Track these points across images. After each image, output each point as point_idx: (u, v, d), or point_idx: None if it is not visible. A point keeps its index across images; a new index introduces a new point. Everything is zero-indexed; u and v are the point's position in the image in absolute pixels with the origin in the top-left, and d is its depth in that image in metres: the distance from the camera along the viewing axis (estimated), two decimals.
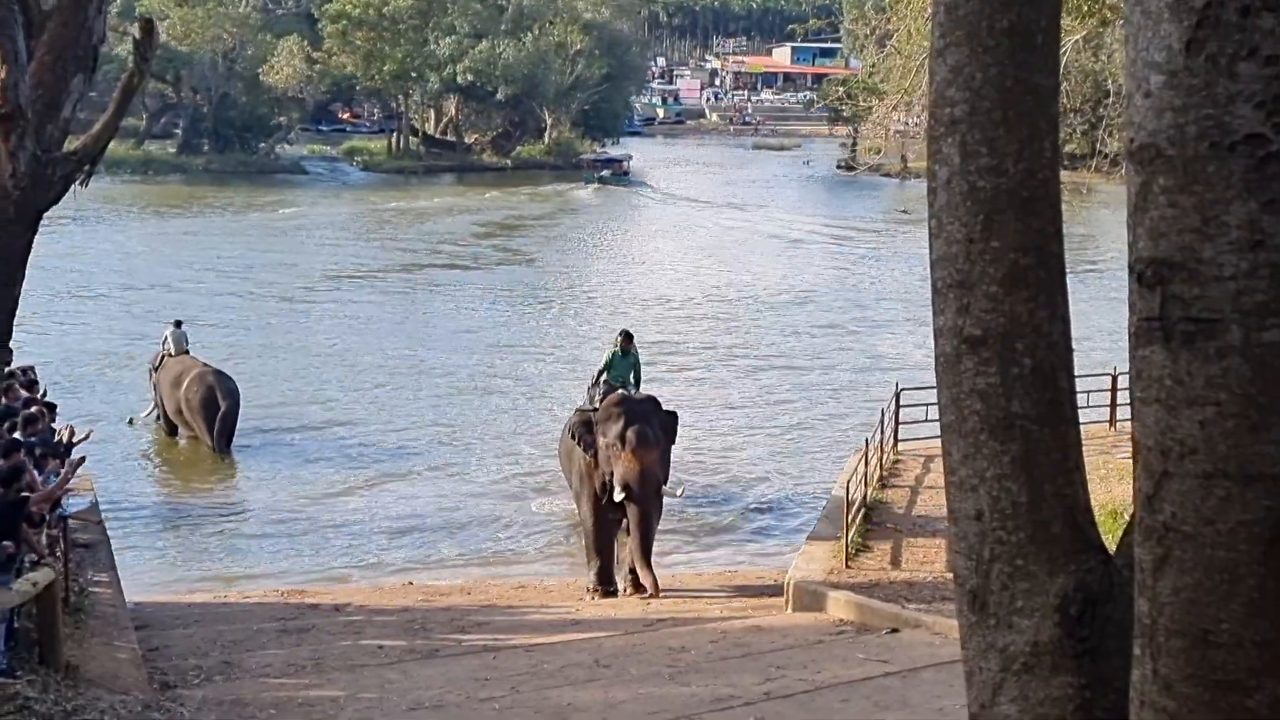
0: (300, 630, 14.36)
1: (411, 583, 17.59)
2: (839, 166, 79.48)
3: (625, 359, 18.78)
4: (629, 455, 16.10)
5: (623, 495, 16.13)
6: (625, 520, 16.71)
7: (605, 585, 16.64)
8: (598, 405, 17.25)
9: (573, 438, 17.03)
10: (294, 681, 12.11)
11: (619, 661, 12.72)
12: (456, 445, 24.75)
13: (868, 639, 13.27)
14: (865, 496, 17.20)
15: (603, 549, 16.78)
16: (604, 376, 18.50)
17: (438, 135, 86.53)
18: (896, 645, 12.93)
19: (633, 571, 16.53)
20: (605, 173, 74.84)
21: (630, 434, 16.18)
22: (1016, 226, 3.31)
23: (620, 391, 17.67)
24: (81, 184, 8.68)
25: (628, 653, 13.12)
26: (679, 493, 18.66)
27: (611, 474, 16.31)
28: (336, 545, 19.61)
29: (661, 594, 16.08)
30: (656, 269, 47.15)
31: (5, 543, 10.51)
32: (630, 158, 79.74)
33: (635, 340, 19.42)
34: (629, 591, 16.51)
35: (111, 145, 8.88)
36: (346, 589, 17.25)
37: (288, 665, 12.74)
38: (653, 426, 16.50)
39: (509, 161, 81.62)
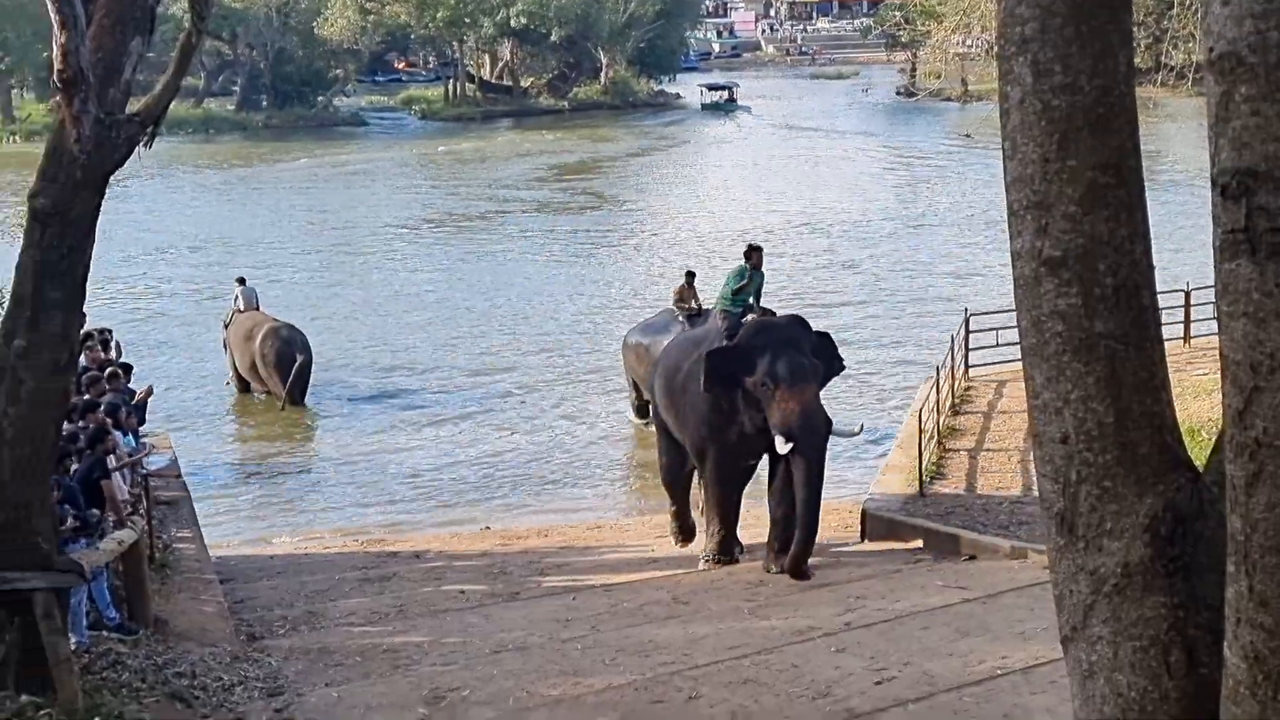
0: (382, 578, 14.52)
1: (489, 527, 17.73)
2: (898, 93, 78.74)
3: (757, 276, 14.73)
4: (785, 394, 13.13)
5: (787, 445, 13.06)
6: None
7: (727, 556, 14.12)
8: (726, 335, 13.99)
9: (703, 380, 13.56)
10: (378, 629, 12.27)
11: (697, 598, 12.78)
12: (529, 390, 24.83)
13: (945, 566, 13.26)
14: (938, 424, 17.12)
15: (729, 513, 14.12)
16: (724, 304, 14.61)
17: (494, 80, 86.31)
18: (975, 571, 12.91)
19: (782, 548, 13.59)
20: (719, 98, 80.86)
21: (782, 367, 13.17)
22: (1093, 144, 3.25)
23: (758, 317, 14.26)
24: (145, 145, 8.70)
25: (705, 589, 13.18)
26: (858, 430, 15.32)
27: (752, 420, 13.46)
28: (413, 493, 19.79)
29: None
30: (721, 202, 46.87)
31: (92, 510, 10.68)
32: (737, 85, 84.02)
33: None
34: (776, 571, 13.57)
35: (172, 105, 8.91)
36: (425, 536, 17.40)
37: (371, 613, 12.90)
38: (806, 354, 13.44)
39: (566, 104, 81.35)
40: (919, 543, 14.15)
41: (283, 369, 23.63)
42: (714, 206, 46.19)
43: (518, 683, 10.21)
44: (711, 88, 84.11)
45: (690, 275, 21.20)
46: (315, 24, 76.60)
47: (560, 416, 23.21)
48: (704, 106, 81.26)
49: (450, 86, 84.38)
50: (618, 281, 34.65)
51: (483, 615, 12.60)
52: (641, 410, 20.65)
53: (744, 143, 65.77)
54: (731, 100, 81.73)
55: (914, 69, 72.68)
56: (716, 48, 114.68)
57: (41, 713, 8.27)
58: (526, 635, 11.66)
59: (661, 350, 16.07)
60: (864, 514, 14.99)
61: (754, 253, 14.76)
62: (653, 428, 16.71)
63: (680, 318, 19.44)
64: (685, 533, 15.20)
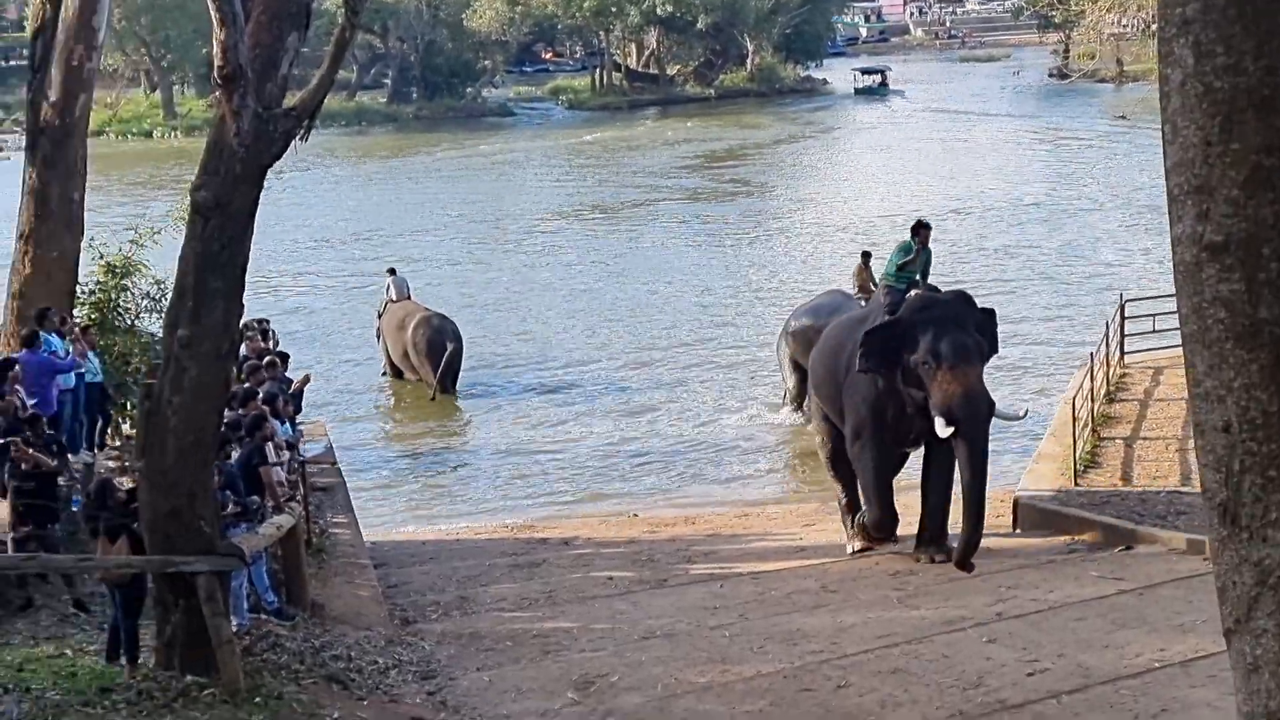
0: (531, 564, 14.68)
1: (637, 515, 17.80)
2: (1050, 75, 77.38)
3: (924, 253, 13.96)
4: (947, 374, 12.59)
5: (948, 429, 12.55)
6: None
7: (883, 534, 13.77)
8: (887, 313, 13.34)
9: (856, 362, 13.16)
10: (528, 614, 12.41)
11: (846, 586, 12.71)
12: (677, 378, 24.84)
13: (1101, 556, 13.01)
14: (1093, 411, 16.79)
15: (885, 493, 13.64)
16: (888, 280, 13.94)
17: (640, 69, 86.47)
18: (1131, 562, 12.65)
19: (933, 538, 13.43)
20: (872, 82, 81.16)
21: (945, 345, 12.60)
22: (1257, 127, 3.16)
23: (922, 292, 13.51)
24: (302, 138, 8.88)
25: (854, 577, 13.11)
26: (1022, 414, 14.80)
27: (912, 399, 13.01)
28: (562, 480, 19.94)
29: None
30: (872, 188, 46.35)
31: (252, 496, 10.93)
32: (890, 69, 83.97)
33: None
34: (925, 561, 13.36)
35: (326, 99, 9.08)
36: (573, 523, 17.52)
37: (521, 599, 13.05)
38: (971, 333, 12.91)
39: (712, 91, 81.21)
40: (1073, 532, 13.89)
41: (434, 358, 23.97)
42: (865, 192, 45.76)
43: (666, 669, 10.26)
44: (865, 72, 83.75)
45: (866, 256, 20.97)
46: (464, 16, 77.52)
47: (708, 404, 23.20)
48: (857, 91, 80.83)
49: (597, 76, 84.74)
50: (767, 269, 34.49)
51: (631, 602, 12.67)
52: (802, 401, 19.85)
53: (894, 127, 65.06)
54: (884, 84, 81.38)
55: (1067, 50, 71.41)
56: (864, 32, 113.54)
57: (205, 692, 8.50)
58: (674, 622, 11.70)
59: (824, 331, 15.31)
60: (1016, 503, 14.76)
61: (922, 229, 13.92)
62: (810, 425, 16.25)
63: (855, 297, 18.61)
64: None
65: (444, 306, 26.29)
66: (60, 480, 11.52)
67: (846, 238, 36.65)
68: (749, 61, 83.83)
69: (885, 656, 10.23)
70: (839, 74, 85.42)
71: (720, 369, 25.27)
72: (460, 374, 24.44)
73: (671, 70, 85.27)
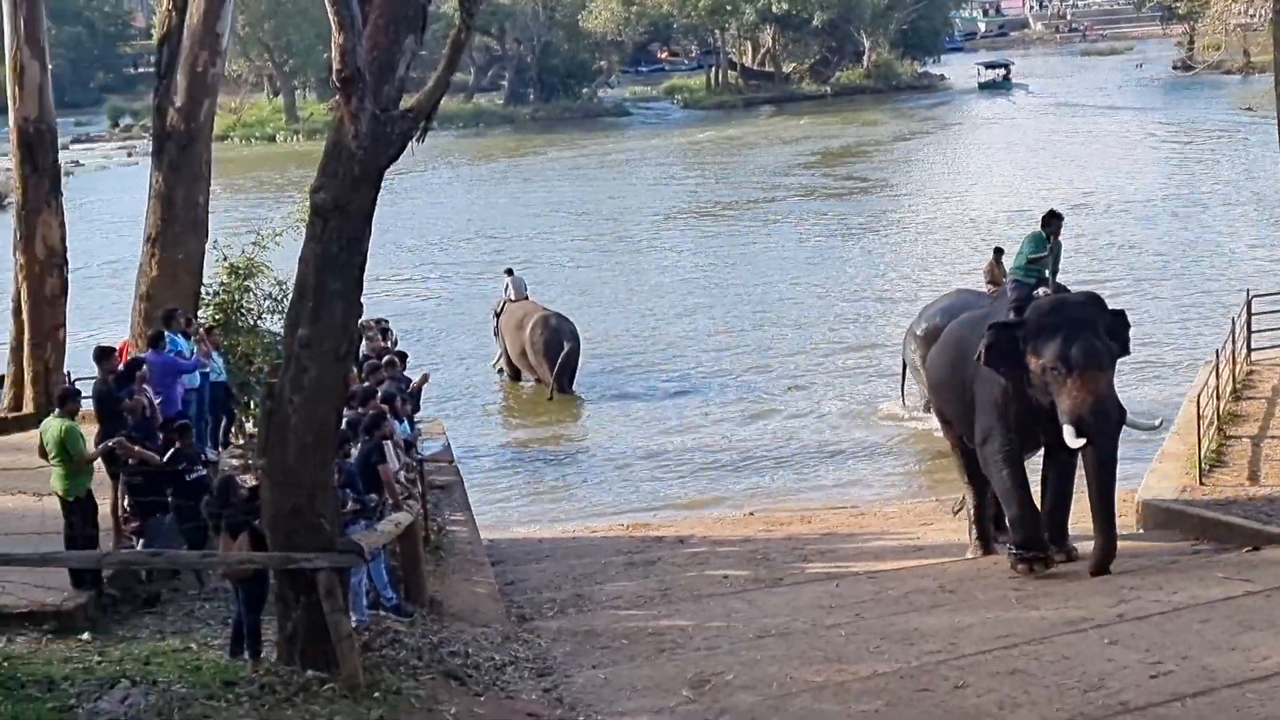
0: (646, 563, 14.71)
1: (752, 513, 17.76)
2: (1174, 67, 75.78)
3: (1056, 245, 13.38)
4: (1077, 381, 12.08)
5: (1079, 440, 12.03)
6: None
7: (1037, 552, 12.70)
8: (1012, 312, 12.80)
9: (978, 358, 12.61)
10: (643, 612, 12.43)
11: (964, 586, 12.57)
12: (795, 377, 24.71)
13: (1226, 558, 12.71)
14: (1218, 409, 16.41)
15: (1027, 497, 12.85)
16: (1017, 274, 13.38)
17: (755, 67, 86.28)
18: (1259, 563, 12.34)
19: (1051, 539, 12.84)
20: (996, 76, 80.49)
21: (1076, 351, 12.07)
22: None
23: (1052, 294, 12.94)
24: (418, 140, 8.98)
25: (972, 577, 12.95)
26: (1157, 423, 13.93)
27: (1038, 402, 12.49)
28: (676, 479, 19.96)
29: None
30: (994, 183, 45.64)
31: (370, 494, 11.08)
32: (1013, 63, 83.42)
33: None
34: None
35: (443, 101, 9.16)
36: (688, 521, 17.54)
37: (637, 596, 13.08)
38: (1101, 337, 12.29)
39: (828, 89, 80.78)
40: (1197, 533, 13.60)
41: (551, 357, 24.11)
42: (989, 188, 45.07)
43: (781, 668, 10.22)
44: (989, 66, 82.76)
45: (998, 252, 20.65)
46: (580, 17, 77.92)
47: (826, 403, 23.07)
48: (981, 86, 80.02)
49: (712, 75, 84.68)
50: (888, 267, 34.15)
51: (746, 600, 12.64)
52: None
53: (1015, 122, 64.16)
54: (1008, 79, 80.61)
55: (1191, 41, 69.92)
56: (982, 27, 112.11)
57: (325, 687, 8.63)
58: (790, 621, 11.66)
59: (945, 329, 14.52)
60: (1139, 503, 14.49)
61: (1053, 219, 13.23)
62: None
63: (989, 295, 17.18)
64: (984, 540, 13.87)
65: (561, 306, 26.45)
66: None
67: (971, 235, 36.27)
68: (865, 58, 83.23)
69: (1004, 657, 10.09)
70: (957, 70, 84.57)
71: (840, 369, 25.11)
72: (577, 373, 24.55)
73: (787, 68, 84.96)
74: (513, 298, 25.84)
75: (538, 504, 19.37)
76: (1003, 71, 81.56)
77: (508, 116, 76.45)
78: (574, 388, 24.48)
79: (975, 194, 44.03)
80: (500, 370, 26.00)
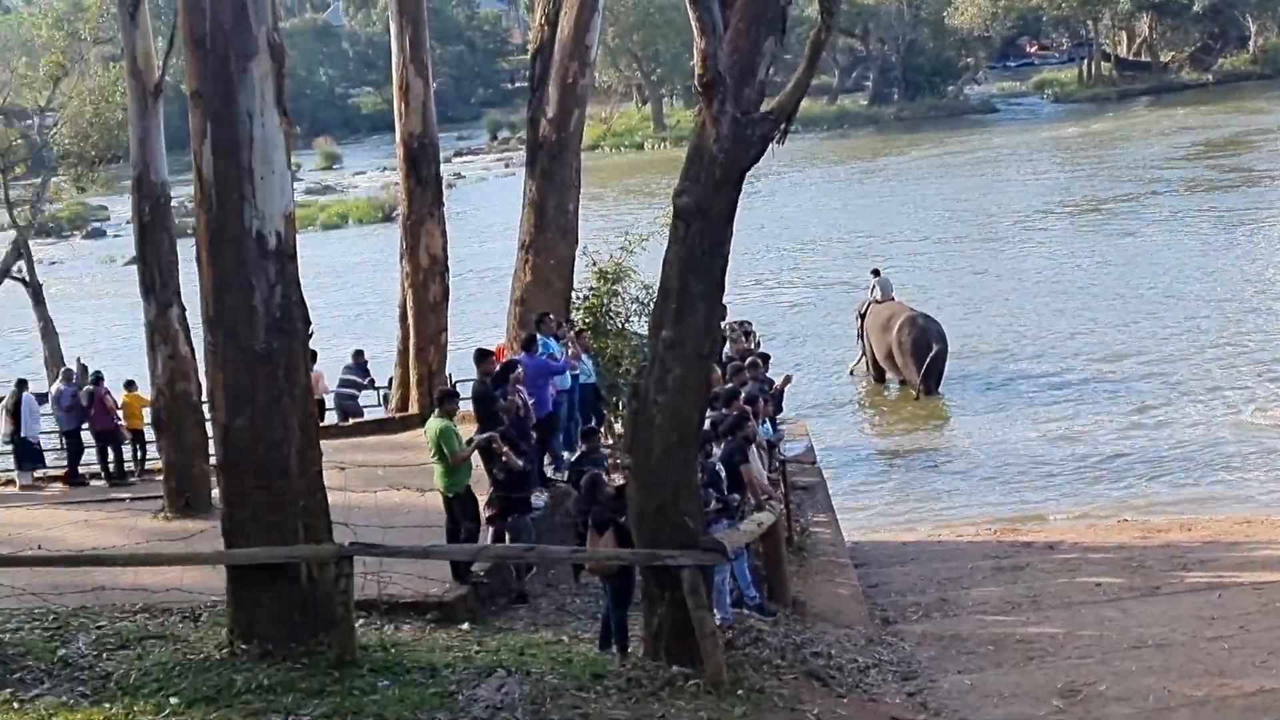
0: (1014, 568, 14.34)
1: (1126, 519, 17.09)
2: None
3: None
4: None
5: None
6: None
7: None
8: None
9: None
10: (1010, 618, 12.12)
11: None
12: (1173, 376, 23.69)
13: None
14: None
15: None
16: None
17: (1130, 58, 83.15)
18: None
19: None
20: None
21: None
22: None
23: None
24: (779, 142, 8.99)
25: None
26: None
27: None
28: (1046, 483, 19.39)
29: None
30: None
31: (733, 494, 11.18)
32: None
33: None
34: None
35: (807, 103, 9.16)
36: (1058, 526, 17.03)
37: (1004, 602, 12.76)
38: None
39: (1210, 77, 77.12)
40: None
41: (918, 357, 23.83)
42: None
43: (1157, 680, 9.81)
44: None
45: None
46: (945, 14, 76.80)
47: (1206, 403, 22.01)
48: None
49: (1084, 67, 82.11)
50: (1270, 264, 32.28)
51: (1120, 609, 12.17)
52: None
53: None
54: None
55: None
56: None
57: (689, 683, 8.75)
58: (1168, 632, 11.17)
59: None
60: None
61: None
62: None
63: None
64: None
65: (928, 306, 26.11)
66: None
67: None
68: (1251, 43, 78.99)
69: None
70: None
71: (1221, 366, 23.91)
72: (944, 374, 24.17)
73: (1165, 57, 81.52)
74: (879, 298, 25.65)
75: (902, 506, 19.16)
76: None
77: (871, 117, 76.01)
78: (940, 389, 24.10)
79: None
80: (855, 371, 25.84)
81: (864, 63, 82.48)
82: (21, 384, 19.23)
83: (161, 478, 15.62)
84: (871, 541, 16.66)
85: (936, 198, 48.11)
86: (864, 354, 25.80)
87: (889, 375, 25.08)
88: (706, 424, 11.43)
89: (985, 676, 10.39)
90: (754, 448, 12.17)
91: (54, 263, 48.23)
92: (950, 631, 11.76)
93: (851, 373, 26.00)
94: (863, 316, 25.80)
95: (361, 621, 9.76)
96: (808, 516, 14.75)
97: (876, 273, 26.64)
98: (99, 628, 9.91)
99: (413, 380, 18.63)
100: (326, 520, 9.30)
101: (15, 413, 18.45)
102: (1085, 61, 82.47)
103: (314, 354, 17.77)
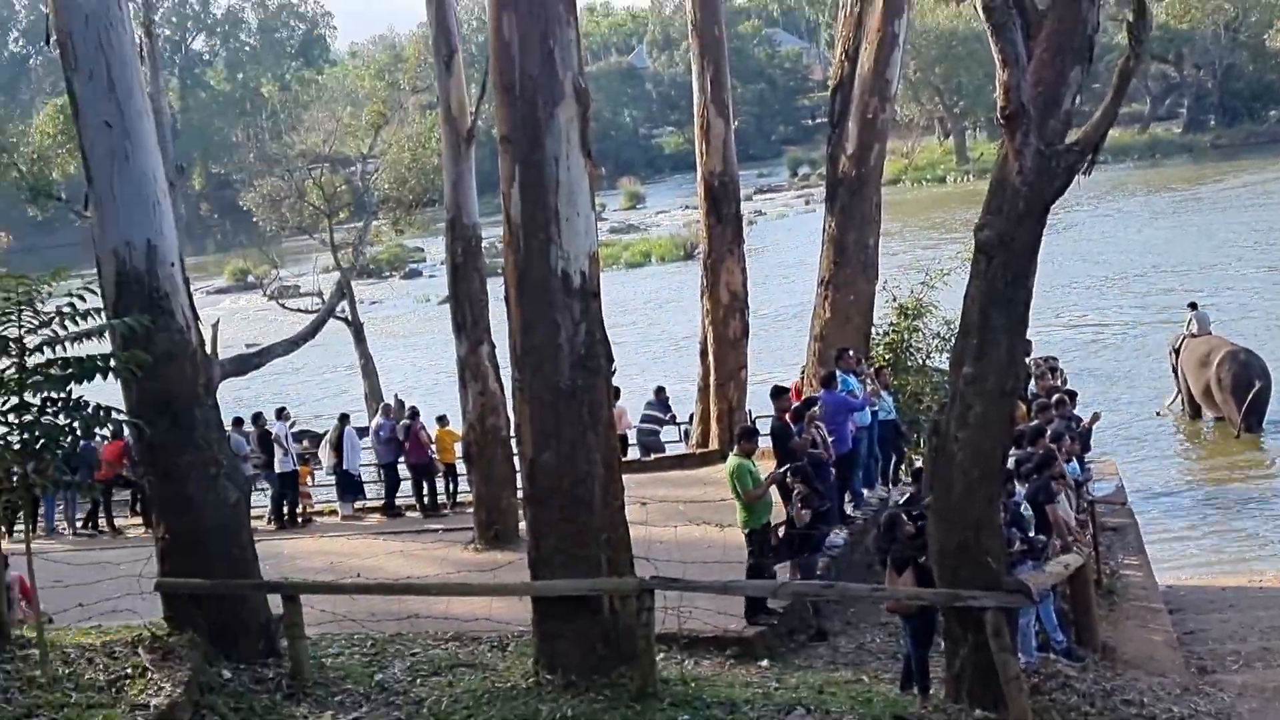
0: None
1: None
2: None
3: None
4: None
5: None
6: None
7: None
8: None
9: None
10: None
11: None
12: None
13: None
14: None
15: None
16: None
17: None
18: None
19: None
20: None
21: None
22: None
23: None
24: (1084, 174, 8.78)
25: None
26: None
27: None
28: None
29: None
30: None
31: (1039, 535, 10.91)
32: None
33: None
34: None
35: (1116, 132, 8.92)
36: None
37: None
38: None
39: None
40: None
41: (1239, 394, 22.80)
42: None
43: None
44: None
45: None
46: (1266, 36, 73.38)
47: None
48: None
49: None
50: None
51: None
52: None
53: None
54: None
55: None
56: None
57: None
58: None
59: None
60: None
61: None
62: None
63: None
64: None
65: (1250, 341, 24.95)
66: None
67: None
68: None
69: None
70: None
71: None
72: (1267, 412, 23.04)
73: None
74: (1194, 332, 24.65)
75: (1219, 549, 18.31)
76: None
77: (1186, 145, 73.17)
78: (1264, 427, 22.97)
79: None
80: (1163, 411, 24.84)
81: (1178, 89, 79.52)
82: (344, 419, 20.19)
83: (472, 510, 16.14)
84: (1187, 586, 15.97)
85: (1256, 227, 45.92)
86: (1179, 390, 24.81)
87: (1206, 412, 24.04)
88: (1010, 462, 11.23)
89: None
90: (1062, 487, 11.86)
91: (374, 302, 50.44)
92: (1274, 683, 11.19)
93: (1159, 414, 24.99)
94: (1178, 352, 24.82)
95: (662, 655, 9.89)
96: (1118, 559, 14.28)
97: (1193, 306, 25.62)
98: (413, 654, 10.31)
99: (713, 416, 18.82)
100: (628, 554, 9.46)
101: (338, 446, 19.38)
102: None
103: (617, 390, 18.32)
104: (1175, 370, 24.89)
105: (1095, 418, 16.11)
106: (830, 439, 13.22)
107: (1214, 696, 10.78)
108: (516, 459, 10.97)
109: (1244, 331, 26.96)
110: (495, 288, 12.14)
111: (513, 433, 12.41)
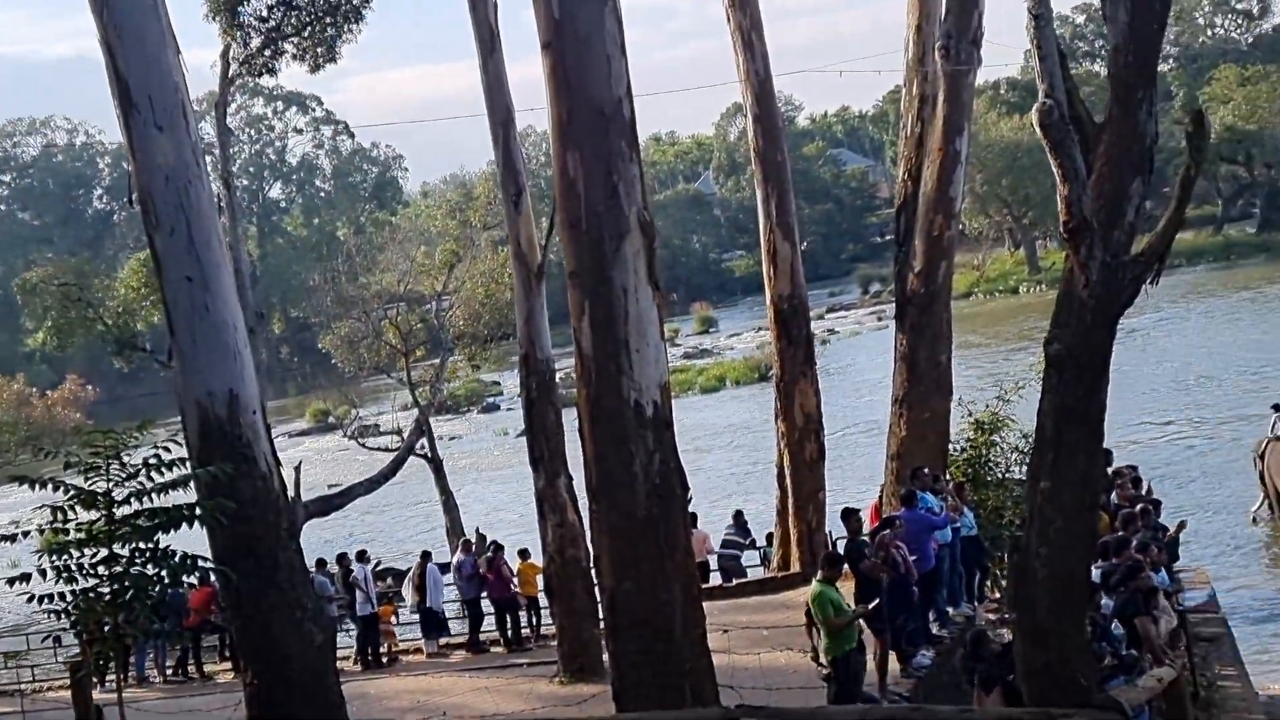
0: None
1: None
2: None
3: None
4: None
5: None
6: None
7: None
8: None
9: None
10: None
11: None
12: None
13: None
14: None
15: None
16: None
17: None
18: None
19: None
20: None
21: None
22: None
23: None
24: (1152, 283, 8.80)
25: None
26: None
27: None
28: None
29: None
30: None
31: (1130, 650, 10.74)
32: None
33: None
34: None
35: (1190, 235, 8.97)
36: None
37: None
38: None
39: None
40: None
41: None
42: None
43: None
44: None
45: None
46: None
47: None
48: None
49: None
50: None
51: None
52: None
53: None
54: None
55: None
56: None
57: None
58: None
59: None
60: None
61: None
62: None
63: None
64: None
65: None
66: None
67: None
68: None
69: None
70: None
71: None
72: None
73: None
74: (1279, 435, 24.26)
75: None
76: None
77: (1260, 245, 72.52)
78: None
79: None
80: (1255, 517, 24.41)
81: (1249, 189, 79.09)
82: (426, 556, 20.29)
83: (555, 643, 16.10)
84: None
85: None
86: (1266, 495, 24.39)
87: None
88: (1096, 575, 11.11)
89: None
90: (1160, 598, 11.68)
91: (453, 438, 50.76)
92: None
93: (1255, 520, 24.56)
94: (1263, 456, 24.43)
95: None
96: (1215, 670, 13.98)
97: (1277, 408, 25.25)
98: None
99: (793, 539, 18.73)
100: (713, 682, 9.41)
101: (421, 584, 19.46)
102: None
103: (694, 517, 18.32)
104: (1262, 475, 24.48)
105: (1181, 526, 15.90)
106: (913, 558, 13.13)
107: None
108: (597, 590, 10.97)
109: None
110: (570, 419, 12.24)
111: (592, 564, 12.42)
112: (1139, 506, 15.22)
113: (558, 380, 16.71)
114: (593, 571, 12.80)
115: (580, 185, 9.19)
